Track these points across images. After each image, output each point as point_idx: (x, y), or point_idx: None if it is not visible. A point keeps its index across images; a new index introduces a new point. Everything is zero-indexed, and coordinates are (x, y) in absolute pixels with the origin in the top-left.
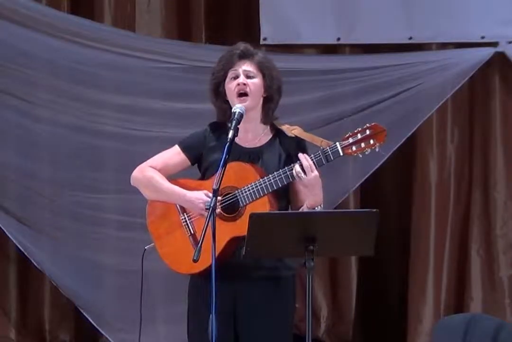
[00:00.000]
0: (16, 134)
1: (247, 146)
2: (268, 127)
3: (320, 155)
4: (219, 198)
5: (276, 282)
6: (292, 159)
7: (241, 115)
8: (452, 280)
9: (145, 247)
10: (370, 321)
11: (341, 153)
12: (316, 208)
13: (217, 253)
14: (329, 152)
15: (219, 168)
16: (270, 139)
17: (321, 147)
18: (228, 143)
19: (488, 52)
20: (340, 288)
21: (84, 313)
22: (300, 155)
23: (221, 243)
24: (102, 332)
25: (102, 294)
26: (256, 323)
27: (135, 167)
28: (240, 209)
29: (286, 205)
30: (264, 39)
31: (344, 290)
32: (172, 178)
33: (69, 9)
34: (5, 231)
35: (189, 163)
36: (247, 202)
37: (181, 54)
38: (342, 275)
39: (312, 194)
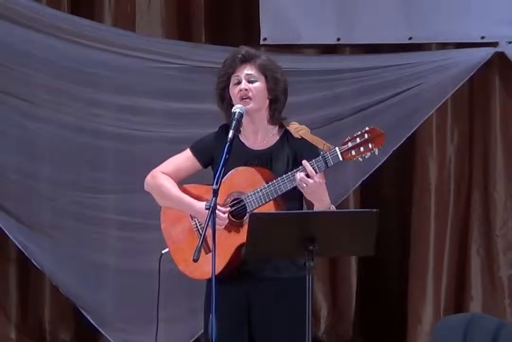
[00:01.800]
0: (16, 134)
1: (256, 149)
2: (277, 127)
3: (320, 160)
4: (225, 209)
5: (289, 283)
6: (299, 161)
7: (241, 115)
8: (452, 280)
9: (162, 252)
10: (370, 321)
11: (341, 158)
12: None
13: (227, 259)
14: (329, 157)
15: (219, 168)
16: (278, 140)
17: (322, 152)
18: (228, 143)
19: (488, 52)
20: (340, 288)
21: (84, 313)
22: (304, 162)
23: (231, 249)
24: (102, 332)
25: (102, 294)
26: (271, 325)
27: (135, 168)
28: (247, 214)
29: (299, 206)
30: (264, 39)
31: (344, 290)
32: (184, 183)
33: (69, 9)
34: (5, 231)
35: (200, 167)
36: (253, 207)
37: (181, 54)
38: (342, 275)
39: (316, 200)
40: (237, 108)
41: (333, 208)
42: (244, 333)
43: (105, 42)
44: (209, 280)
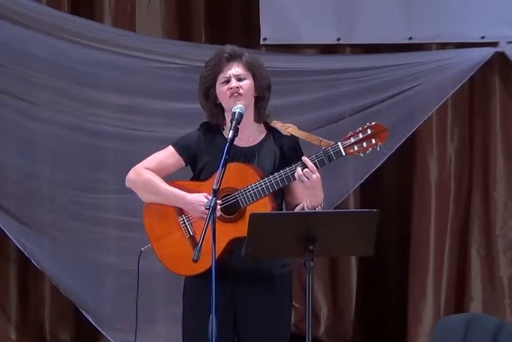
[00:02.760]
0: (16, 134)
1: (242, 146)
2: (262, 125)
3: (322, 156)
4: (218, 200)
5: (272, 281)
6: (286, 157)
7: (241, 115)
8: (452, 280)
9: (141, 249)
10: (370, 321)
11: (344, 153)
12: (317, 208)
13: (216, 255)
14: (331, 152)
15: (219, 168)
16: (264, 137)
17: (323, 147)
18: (228, 143)
19: (488, 52)
20: (340, 288)
21: (84, 313)
22: (304, 158)
23: (221, 245)
24: (102, 332)
25: (102, 294)
26: (256, 323)
27: None
28: (240, 210)
29: (281, 204)
30: (264, 39)
31: (344, 290)
32: (168, 179)
33: (69, 9)
34: (5, 231)
35: (183, 164)
36: (248, 203)
37: (181, 54)
38: (342, 275)
39: (313, 195)
40: (237, 108)
41: (320, 208)
42: (230, 331)
43: (105, 42)
44: (190, 277)
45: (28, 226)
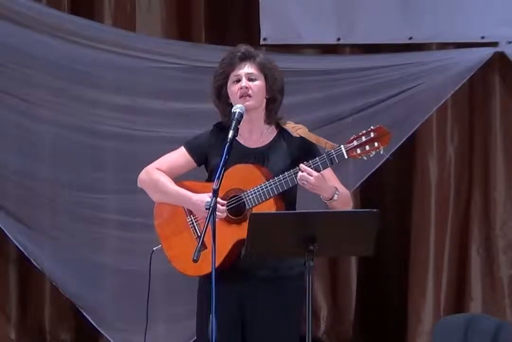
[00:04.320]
0: (16, 134)
1: (252, 147)
2: (272, 127)
3: (325, 158)
4: (224, 201)
5: (281, 282)
6: (296, 159)
7: (241, 115)
8: (452, 280)
9: (153, 248)
10: (370, 321)
11: (346, 156)
12: (334, 196)
13: (223, 256)
14: (334, 155)
15: (219, 168)
16: (274, 138)
17: (326, 150)
18: (228, 143)
19: (488, 52)
20: (340, 288)
21: (84, 313)
22: (301, 165)
23: (227, 246)
24: (102, 332)
25: (102, 294)
26: (264, 324)
27: (135, 167)
28: (246, 211)
29: (288, 204)
30: (264, 39)
31: (344, 290)
32: (179, 179)
33: (69, 9)
34: (5, 231)
35: (195, 164)
36: (253, 204)
37: (181, 54)
38: (342, 275)
39: (320, 192)
40: (237, 108)
41: (337, 195)
42: (237, 332)
43: (105, 42)
44: (203, 277)
45: (28, 226)
